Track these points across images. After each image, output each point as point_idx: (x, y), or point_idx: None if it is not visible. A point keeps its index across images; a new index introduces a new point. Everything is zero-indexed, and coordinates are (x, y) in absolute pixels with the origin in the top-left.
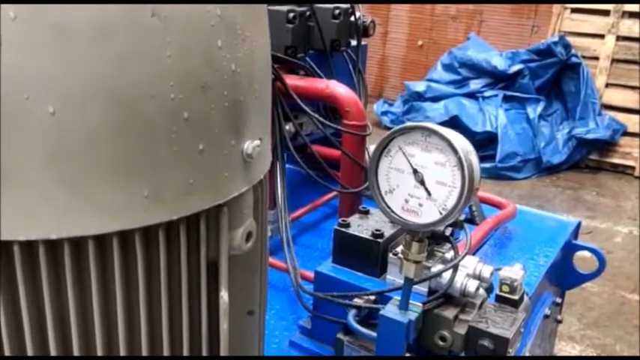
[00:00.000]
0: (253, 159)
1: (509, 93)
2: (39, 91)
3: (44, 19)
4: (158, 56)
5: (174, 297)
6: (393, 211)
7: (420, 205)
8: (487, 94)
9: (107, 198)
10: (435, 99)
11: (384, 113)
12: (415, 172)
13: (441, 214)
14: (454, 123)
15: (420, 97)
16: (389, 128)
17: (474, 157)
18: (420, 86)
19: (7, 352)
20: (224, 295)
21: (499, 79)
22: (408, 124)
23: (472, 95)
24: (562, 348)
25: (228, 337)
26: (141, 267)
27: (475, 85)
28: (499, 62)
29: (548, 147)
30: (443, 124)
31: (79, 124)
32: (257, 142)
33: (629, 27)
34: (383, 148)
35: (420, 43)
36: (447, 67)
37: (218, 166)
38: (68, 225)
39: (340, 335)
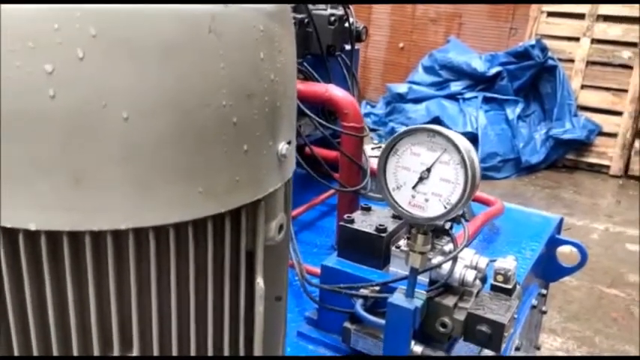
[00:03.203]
0: (286, 158)
1: (488, 94)
2: (115, 100)
3: (119, 37)
4: (213, 69)
5: (217, 282)
6: (400, 206)
7: (426, 200)
8: (467, 95)
9: (168, 194)
10: (417, 100)
11: (367, 115)
12: (428, 170)
13: (445, 208)
14: (436, 124)
15: (401, 98)
16: (372, 129)
17: (474, 156)
18: (401, 88)
19: (94, 340)
20: (260, 281)
21: (479, 81)
22: (414, 125)
23: (453, 97)
24: (544, 340)
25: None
26: (192, 254)
27: (455, 86)
28: (479, 64)
29: (527, 147)
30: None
31: (147, 129)
32: (289, 143)
33: (604, 30)
34: (391, 148)
35: (401, 45)
36: (428, 70)
37: (259, 165)
38: (135, 217)
39: (347, 324)
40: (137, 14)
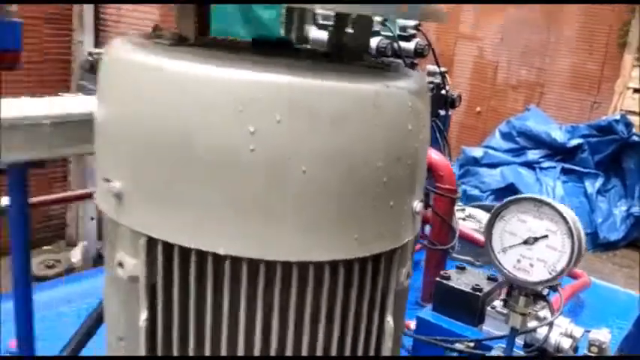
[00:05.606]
0: (418, 214)
1: (567, 166)
2: (297, 156)
3: (304, 106)
4: (373, 135)
5: (357, 317)
6: (505, 268)
7: (531, 265)
8: (545, 164)
9: (331, 236)
10: (492, 165)
11: None
12: (535, 240)
13: (550, 274)
14: (510, 191)
15: (476, 162)
16: None
17: (580, 227)
18: (477, 152)
19: None
20: (390, 320)
21: (557, 151)
22: (521, 195)
23: (529, 165)
24: None
25: None
26: (340, 290)
27: (533, 155)
28: (558, 135)
29: (605, 223)
30: (500, 190)
31: (320, 182)
32: (421, 202)
33: None
34: (498, 213)
35: (478, 109)
36: (505, 136)
37: (399, 219)
38: (302, 252)
39: None
40: (319, 89)
